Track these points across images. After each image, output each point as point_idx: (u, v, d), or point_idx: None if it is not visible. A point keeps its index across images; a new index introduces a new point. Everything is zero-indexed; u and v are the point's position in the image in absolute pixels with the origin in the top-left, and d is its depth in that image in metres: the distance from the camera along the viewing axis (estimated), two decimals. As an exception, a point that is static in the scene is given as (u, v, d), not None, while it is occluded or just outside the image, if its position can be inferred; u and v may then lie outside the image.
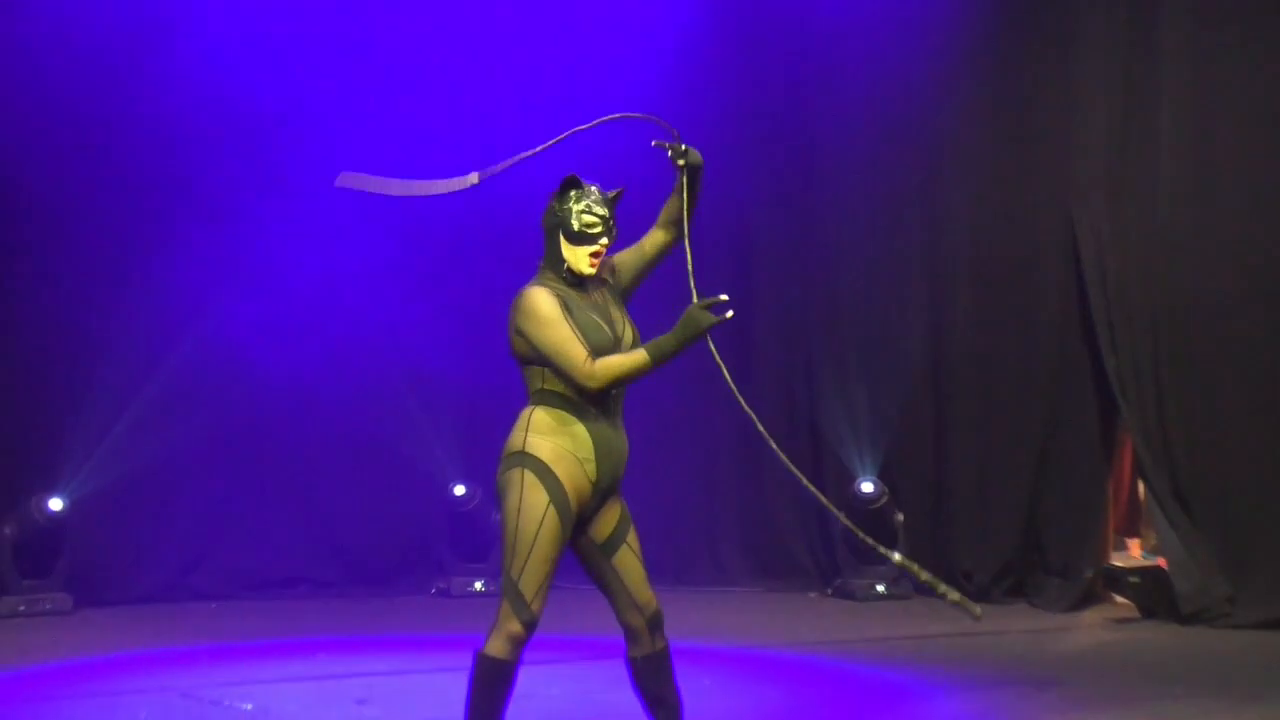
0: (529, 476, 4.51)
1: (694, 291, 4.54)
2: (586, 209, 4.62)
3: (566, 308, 4.56)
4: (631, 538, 4.69)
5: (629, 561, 4.66)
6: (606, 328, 4.61)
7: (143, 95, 9.58)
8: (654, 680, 4.72)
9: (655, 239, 4.81)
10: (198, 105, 9.69)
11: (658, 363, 4.44)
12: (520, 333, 4.55)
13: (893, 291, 9.96)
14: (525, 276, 4.70)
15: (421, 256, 10.14)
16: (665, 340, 4.45)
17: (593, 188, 4.69)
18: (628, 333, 4.67)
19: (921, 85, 9.81)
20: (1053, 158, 9.40)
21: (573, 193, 4.66)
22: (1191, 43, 8.86)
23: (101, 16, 9.40)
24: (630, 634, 4.70)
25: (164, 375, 9.61)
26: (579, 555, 4.68)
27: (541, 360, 4.55)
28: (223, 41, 9.70)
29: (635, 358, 4.47)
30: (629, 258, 4.81)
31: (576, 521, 4.59)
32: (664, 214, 4.79)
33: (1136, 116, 9.03)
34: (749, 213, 10.44)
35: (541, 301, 4.54)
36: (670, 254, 4.80)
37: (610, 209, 4.68)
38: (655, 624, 4.70)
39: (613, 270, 4.77)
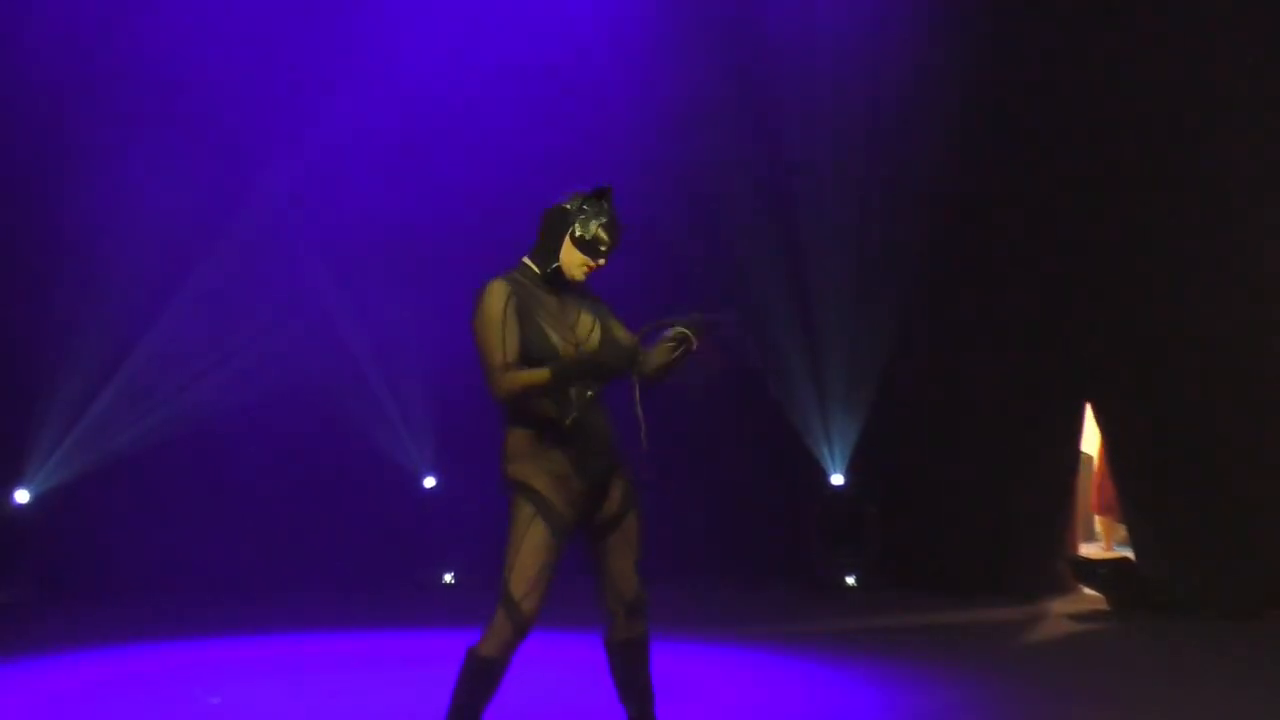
0: (518, 499, 4.54)
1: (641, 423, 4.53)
2: (606, 225, 4.59)
3: (519, 308, 4.52)
4: (629, 524, 4.71)
5: (618, 547, 4.69)
6: (556, 336, 4.56)
7: (117, 94, 9.57)
8: (627, 666, 4.73)
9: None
10: (165, 96, 9.69)
11: (558, 379, 4.41)
12: (471, 328, 4.52)
13: (863, 285, 9.97)
14: (496, 271, 4.63)
15: (394, 254, 10.12)
16: (570, 360, 4.44)
17: (612, 209, 4.63)
18: (594, 343, 4.61)
19: (886, 83, 9.83)
20: (1023, 148, 9.41)
21: (603, 203, 4.62)
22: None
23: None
24: (608, 617, 4.73)
25: (130, 370, 9.59)
26: (584, 537, 4.70)
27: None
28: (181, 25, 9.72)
29: (538, 373, 4.43)
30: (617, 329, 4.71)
31: (585, 508, 4.61)
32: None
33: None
34: (719, 208, 10.44)
35: (491, 298, 4.51)
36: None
37: (617, 236, 4.62)
38: (633, 611, 4.70)
39: (608, 313, 4.71)
